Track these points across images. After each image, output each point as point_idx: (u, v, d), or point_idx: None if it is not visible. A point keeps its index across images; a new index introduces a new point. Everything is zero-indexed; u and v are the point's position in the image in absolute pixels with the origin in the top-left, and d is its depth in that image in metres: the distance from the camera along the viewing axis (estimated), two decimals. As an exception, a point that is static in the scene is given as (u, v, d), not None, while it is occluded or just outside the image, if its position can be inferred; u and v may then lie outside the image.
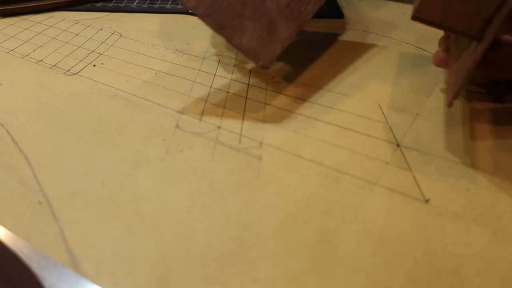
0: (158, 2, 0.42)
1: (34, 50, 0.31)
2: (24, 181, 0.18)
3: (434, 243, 0.16)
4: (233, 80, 0.27)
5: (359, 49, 0.31)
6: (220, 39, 0.33)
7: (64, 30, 0.35)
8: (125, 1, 0.42)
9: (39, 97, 0.25)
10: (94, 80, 0.27)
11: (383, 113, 0.23)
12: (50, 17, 0.38)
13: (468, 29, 0.19)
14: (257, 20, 0.23)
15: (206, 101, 0.24)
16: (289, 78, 0.27)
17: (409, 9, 0.40)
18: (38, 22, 0.37)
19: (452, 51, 0.24)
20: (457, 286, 0.14)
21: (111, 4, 0.41)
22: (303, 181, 0.19)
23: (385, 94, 0.25)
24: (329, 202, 0.18)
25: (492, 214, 0.17)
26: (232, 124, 0.22)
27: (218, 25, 0.23)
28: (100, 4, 0.41)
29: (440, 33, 0.25)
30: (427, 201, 0.18)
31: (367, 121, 0.23)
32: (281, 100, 0.25)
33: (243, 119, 0.23)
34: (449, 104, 0.19)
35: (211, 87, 0.26)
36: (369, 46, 0.32)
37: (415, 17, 0.19)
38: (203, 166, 0.19)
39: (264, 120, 0.23)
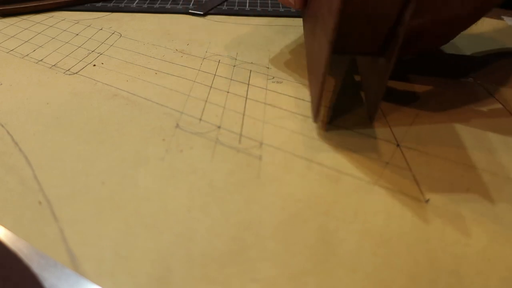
0: (158, 2, 0.42)
1: (34, 50, 0.31)
2: (24, 181, 0.18)
3: (434, 243, 0.16)
4: (233, 80, 0.27)
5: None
6: (219, 39, 0.33)
7: (64, 30, 0.35)
8: (125, 1, 0.42)
9: (39, 97, 0.25)
10: (94, 80, 0.27)
11: (383, 113, 0.23)
12: (50, 17, 0.38)
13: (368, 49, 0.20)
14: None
15: (206, 101, 0.24)
16: (289, 79, 0.27)
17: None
18: (38, 22, 0.37)
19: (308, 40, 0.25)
20: (457, 286, 0.14)
21: (111, 4, 0.41)
22: (303, 181, 0.19)
23: (385, 93, 0.25)
24: (329, 202, 0.18)
25: (492, 214, 0.17)
26: (232, 124, 0.22)
27: None
28: (100, 4, 0.41)
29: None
30: (427, 201, 0.18)
31: (367, 121, 0.23)
32: (281, 100, 0.25)
33: (243, 119, 0.23)
34: (315, 120, 0.21)
35: (211, 87, 0.26)
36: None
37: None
38: (203, 166, 0.19)
39: (264, 120, 0.23)
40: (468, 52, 0.31)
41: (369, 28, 0.19)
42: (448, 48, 0.32)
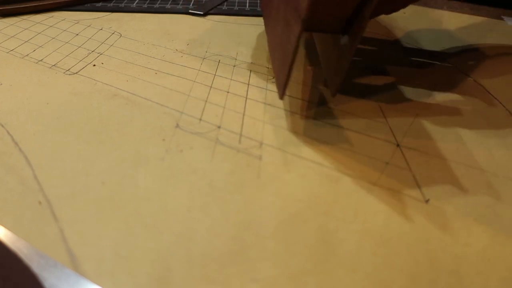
0: (158, 2, 0.42)
1: (34, 50, 0.31)
2: (24, 181, 0.18)
3: (434, 243, 0.16)
4: (233, 80, 0.27)
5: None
6: (219, 39, 0.33)
7: (64, 30, 0.35)
8: (125, 1, 0.42)
9: (39, 97, 0.25)
10: (94, 80, 0.27)
11: (383, 113, 0.23)
12: (50, 17, 0.38)
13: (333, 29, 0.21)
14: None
15: (206, 101, 0.24)
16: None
17: (409, 8, 0.40)
18: (38, 22, 0.37)
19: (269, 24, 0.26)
20: (457, 286, 0.14)
21: (111, 4, 0.41)
22: (303, 181, 0.19)
23: (385, 94, 0.25)
24: (329, 202, 0.18)
25: (492, 214, 0.17)
26: (232, 124, 0.22)
27: None
28: (100, 4, 0.41)
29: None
30: (427, 201, 0.18)
31: (367, 121, 0.23)
32: (281, 100, 0.25)
33: (243, 119, 0.23)
34: (281, 97, 0.21)
35: (211, 87, 0.26)
36: (369, 47, 0.32)
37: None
38: (203, 166, 0.19)
39: (264, 120, 0.23)
40: (468, 52, 0.31)
41: (337, 7, 0.19)
42: (449, 50, 0.32)
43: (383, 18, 0.37)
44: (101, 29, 0.35)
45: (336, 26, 0.21)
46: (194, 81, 0.27)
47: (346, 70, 0.20)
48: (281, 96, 0.21)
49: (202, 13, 0.39)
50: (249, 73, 0.28)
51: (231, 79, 0.27)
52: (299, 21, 0.18)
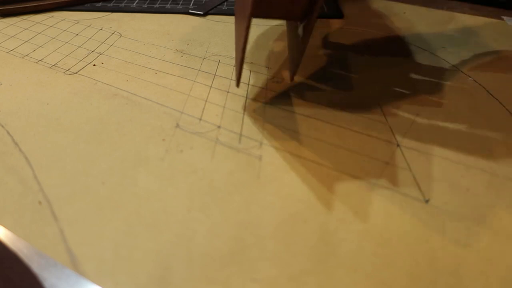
0: (158, 2, 0.42)
1: (34, 50, 0.31)
2: (24, 181, 0.18)
3: (434, 243, 0.16)
4: (233, 80, 0.27)
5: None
6: (219, 39, 0.33)
7: (64, 30, 0.35)
8: (125, 1, 0.42)
9: (39, 97, 0.25)
10: (94, 79, 0.27)
11: (383, 113, 0.23)
12: (50, 17, 0.38)
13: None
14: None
15: (206, 101, 0.24)
16: (289, 78, 0.27)
17: (409, 8, 0.40)
18: (38, 22, 0.37)
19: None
20: (457, 286, 0.14)
21: (111, 4, 0.41)
22: (303, 181, 0.19)
23: (386, 94, 0.25)
24: (329, 202, 0.18)
25: (492, 214, 0.17)
26: (232, 124, 0.22)
27: None
28: (100, 4, 0.41)
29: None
30: (427, 201, 0.18)
31: (367, 121, 0.23)
32: (281, 100, 0.25)
33: (243, 119, 0.23)
34: (238, 85, 0.23)
35: (211, 86, 0.26)
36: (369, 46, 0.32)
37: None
38: (203, 166, 0.19)
39: (264, 120, 0.23)
40: (468, 52, 0.31)
41: None
42: (449, 49, 0.32)
43: (383, 17, 0.37)
44: (101, 29, 0.35)
45: (297, 13, 0.22)
46: (194, 81, 0.27)
47: (300, 58, 0.23)
48: (238, 83, 0.22)
49: (202, 13, 0.39)
50: (249, 73, 0.28)
51: (231, 79, 0.27)
52: (249, 6, 0.19)
